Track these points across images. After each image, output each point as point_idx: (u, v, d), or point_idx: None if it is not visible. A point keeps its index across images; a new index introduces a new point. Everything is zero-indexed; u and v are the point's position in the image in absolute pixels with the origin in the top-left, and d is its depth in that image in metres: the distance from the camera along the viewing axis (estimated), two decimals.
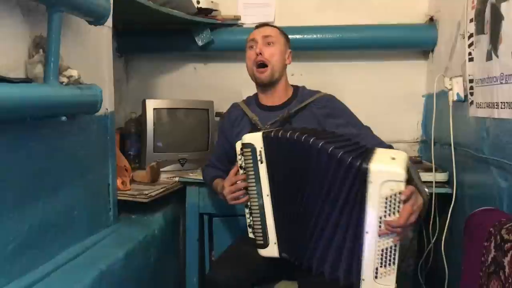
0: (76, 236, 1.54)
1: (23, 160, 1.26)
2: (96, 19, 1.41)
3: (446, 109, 1.95)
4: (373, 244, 1.32)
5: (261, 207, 1.51)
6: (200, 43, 2.57)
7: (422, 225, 2.18)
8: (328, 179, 1.35)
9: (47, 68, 1.24)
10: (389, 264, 1.33)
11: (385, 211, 1.29)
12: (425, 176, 2.01)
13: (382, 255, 1.32)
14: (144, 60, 2.91)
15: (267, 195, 1.50)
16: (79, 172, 1.55)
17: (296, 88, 1.87)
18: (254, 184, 1.51)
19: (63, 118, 1.29)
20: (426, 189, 1.38)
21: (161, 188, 2.04)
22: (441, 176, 2.00)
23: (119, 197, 1.86)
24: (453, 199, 1.87)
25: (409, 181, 1.29)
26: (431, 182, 1.97)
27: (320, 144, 1.36)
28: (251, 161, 1.50)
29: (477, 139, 1.71)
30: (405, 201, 1.27)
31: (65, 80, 1.34)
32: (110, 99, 1.76)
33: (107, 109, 1.71)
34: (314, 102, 1.77)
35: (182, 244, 2.29)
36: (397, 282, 1.35)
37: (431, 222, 2.04)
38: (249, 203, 1.56)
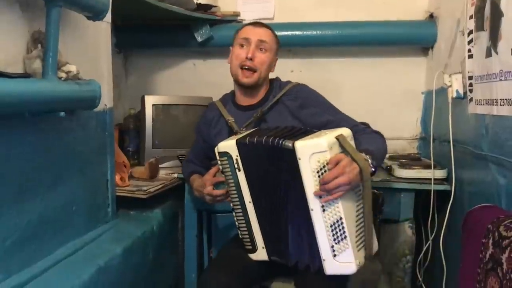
0: (74, 232, 1.54)
1: (22, 156, 1.26)
2: (95, 14, 1.41)
3: (445, 106, 1.95)
4: (320, 220, 1.35)
5: (245, 214, 1.52)
6: (199, 39, 2.57)
7: (421, 221, 2.18)
8: (280, 170, 1.40)
9: (46, 63, 1.24)
10: (342, 240, 1.36)
11: (319, 182, 1.33)
12: (424, 173, 2.01)
13: (332, 231, 1.35)
14: (143, 56, 2.90)
15: (249, 202, 1.50)
16: (77, 168, 1.55)
17: (271, 82, 1.82)
18: (235, 192, 1.52)
19: (62, 113, 1.29)
20: (370, 161, 1.40)
21: (160, 184, 2.04)
22: (440, 173, 2.00)
23: (117, 193, 1.86)
24: (452, 196, 1.87)
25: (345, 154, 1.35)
26: (430, 179, 1.97)
27: (270, 141, 1.39)
28: (229, 169, 1.50)
29: (476, 136, 1.71)
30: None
31: (63, 75, 1.33)
32: (109, 95, 1.75)
33: (106, 105, 1.71)
34: (285, 94, 1.73)
35: (181, 241, 2.29)
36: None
37: (429, 219, 2.04)
38: (233, 208, 1.57)
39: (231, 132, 1.72)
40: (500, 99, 1.48)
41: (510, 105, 1.41)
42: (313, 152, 1.32)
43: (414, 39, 2.54)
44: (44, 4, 1.23)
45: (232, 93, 1.87)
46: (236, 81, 1.77)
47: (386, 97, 2.65)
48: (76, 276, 1.37)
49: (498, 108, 1.49)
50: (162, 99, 2.46)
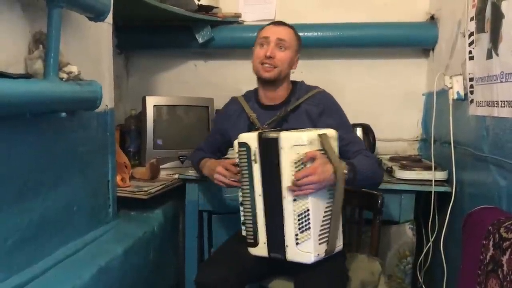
0: (75, 232, 1.55)
1: (23, 156, 1.26)
2: (96, 15, 1.41)
3: (446, 107, 1.95)
4: (290, 208, 1.44)
5: (253, 207, 1.53)
6: (200, 40, 2.57)
7: (421, 223, 2.18)
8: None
9: (47, 64, 1.24)
10: (306, 229, 1.42)
11: (293, 175, 1.40)
12: (425, 175, 2.01)
13: (298, 220, 1.43)
14: (144, 57, 2.91)
15: (259, 195, 1.51)
16: (78, 168, 1.55)
17: (294, 84, 1.82)
18: (247, 183, 1.53)
19: (63, 114, 1.29)
20: (346, 168, 1.46)
21: (161, 185, 2.04)
22: (441, 175, 2.00)
23: (118, 194, 1.86)
24: (453, 198, 1.87)
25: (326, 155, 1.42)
26: (431, 180, 1.97)
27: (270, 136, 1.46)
28: (245, 160, 1.52)
29: (477, 138, 1.71)
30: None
31: (65, 76, 1.34)
32: (110, 96, 1.76)
33: (107, 105, 1.71)
34: (309, 99, 1.74)
35: (182, 241, 2.29)
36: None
37: (430, 220, 2.04)
38: (241, 198, 1.58)
39: (251, 128, 1.73)
40: (501, 101, 1.48)
41: (511, 106, 1.41)
42: (294, 144, 1.41)
43: (415, 41, 2.54)
44: (45, 5, 1.23)
45: (255, 91, 1.87)
46: (258, 77, 1.78)
47: (387, 98, 2.65)
48: (77, 276, 1.37)
49: (498, 110, 1.49)
50: (163, 100, 2.46)
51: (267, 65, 1.70)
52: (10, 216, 1.22)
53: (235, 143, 1.57)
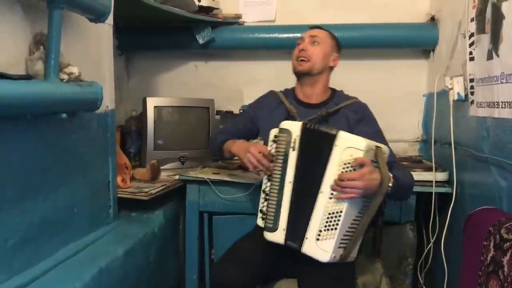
0: (76, 233, 1.55)
1: (23, 157, 1.26)
2: (97, 17, 1.41)
3: (446, 108, 1.95)
4: (323, 204, 1.45)
5: (281, 192, 1.55)
6: (201, 41, 2.57)
7: (422, 224, 2.18)
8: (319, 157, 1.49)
9: (48, 65, 1.24)
10: (331, 229, 1.44)
11: (339, 175, 1.42)
12: (426, 175, 2.01)
13: (328, 218, 1.44)
14: (144, 58, 2.91)
15: (290, 182, 1.54)
16: (79, 169, 1.55)
17: (334, 90, 1.89)
18: (280, 168, 1.56)
19: (64, 115, 1.30)
20: (391, 182, 1.49)
21: (161, 186, 2.04)
22: (441, 176, 2.00)
23: (119, 195, 1.86)
24: (453, 199, 1.87)
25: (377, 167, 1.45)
26: (431, 181, 1.97)
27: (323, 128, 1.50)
28: (284, 146, 1.56)
29: (477, 139, 1.71)
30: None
31: (65, 77, 1.34)
32: (111, 97, 1.76)
33: (107, 106, 1.71)
34: (348, 106, 1.80)
35: (182, 242, 2.29)
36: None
37: (431, 221, 2.03)
38: (267, 189, 1.61)
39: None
40: (501, 102, 1.47)
41: (511, 107, 1.41)
42: (350, 146, 1.43)
43: (416, 42, 2.54)
44: (46, 6, 1.24)
45: (293, 89, 1.92)
46: (295, 73, 1.84)
47: (387, 99, 2.64)
48: (77, 278, 1.37)
49: (499, 111, 1.49)
50: (163, 101, 2.46)
51: (300, 58, 1.78)
52: (10, 217, 1.22)
53: (273, 131, 1.63)
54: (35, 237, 1.32)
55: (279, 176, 1.56)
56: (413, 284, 2.15)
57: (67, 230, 1.49)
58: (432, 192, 1.98)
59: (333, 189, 1.43)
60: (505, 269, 1.17)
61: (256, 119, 1.89)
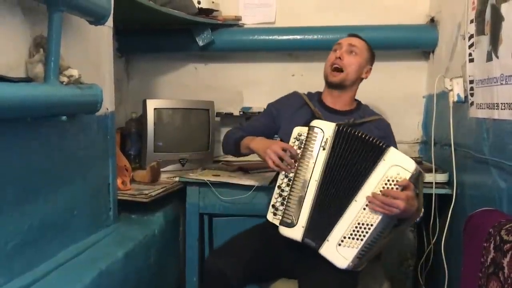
0: (76, 236, 1.55)
1: (23, 159, 1.26)
2: (97, 19, 1.41)
3: (446, 110, 1.95)
4: (354, 213, 1.46)
5: (304, 188, 1.56)
6: (200, 43, 2.57)
7: (422, 225, 2.18)
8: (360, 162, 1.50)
9: (48, 68, 1.24)
10: (357, 239, 1.45)
11: (381, 191, 1.43)
12: (426, 177, 2.00)
13: (356, 227, 1.45)
14: (144, 60, 2.91)
15: (316, 180, 1.55)
16: (79, 172, 1.55)
17: (359, 103, 1.91)
18: (307, 165, 1.56)
19: (63, 117, 1.29)
20: (421, 215, 1.54)
21: (161, 188, 2.04)
22: (441, 177, 2.00)
23: (119, 197, 1.86)
24: (453, 200, 1.87)
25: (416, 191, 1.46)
26: (431, 182, 1.97)
27: (370, 138, 1.51)
28: (313, 144, 1.56)
29: (477, 140, 1.71)
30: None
31: (65, 79, 1.34)
32: (111, 99, 1.76)
33: (107, 109, 1.71)
34: (373, 122, 1.82)
35: (182, 244, 2.29)
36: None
37: (431, 223, 2.03)
38: (283, 185, 1.60)
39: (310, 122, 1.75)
40: (501, 103, 1.47)
41: (511, 109, 1.41)
42: (399, 164, 1.43)
43: (415, 43, 2.54)
44: (46, 9, 1.24)
45: (317, 93, 1.92)
46: (326, 81, 1.84)
47: (387, 101, 2.65)
48: (77, 280, 1.37)
49: (499, 112, 1.49)
50: (163, 103, 2.47)
51: (335, 69, 1.78)
52: (10, 219, 1.22)
53: (297, 128, 1.62)
54: (35, 240, 1.32)
55: (304, 173, 1.56)
56: (414, 285, 2.15)
57: (67, 232, 1.49)
58: (432, 194, 1.98)
59: (370, 201, 1.44)
60: (505, 270, 1.16)
61: (278, 118, 1.87)
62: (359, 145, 1.52)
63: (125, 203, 1.90)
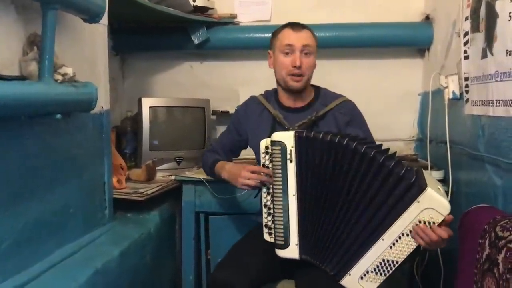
0: (71, 235, 1.54)
1: (18, 158, 1.26)
2: (91, 17, 1.41)
3: (441, 107, 1.95)
4: (381, 251, 1.38)
5: (285, 207, 1.51)
6: (196, 41, 2.57)
7: None
8: (376, 187, 1.37)
9: (42, 66, 1.23)
10: (380, 274, 1.39)
11: (411, 232, 1.33)
12: None
13: (381, 263, 1.38)
14: (140, 59, 2.90)
15: (293, 195, 1.50)
16: (74, 170, 1.55)
17: (317, 88, 1.83)
18: (280, 183, 1.51)
19: (58, 116, 1.29)
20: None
21: (157, 187, 2.04)
22: (437, 174, 2.01)
23: (114, 196, 1.86)
24: (449, 197, 1.87)
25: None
26: None
27: (372, 154, 1.38)
28: (279, 159, 1.50)
29: (472, 137, 1.72)
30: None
31: (60, 78, 1.33)
32: (106, 97, 1.75)
33: (102, 107, 1.71)
34: (337, 107, 1.74)
35: (178, 243, 2.29)
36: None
37: None
38: (268, 203, 1.56)
39: (275, 128, 1.71)
40: (496, 100, 1.48)
41: (506, 105, 1.42)
42: (434, 207, 1.30)
43: (411, 41, 2.55)
44: (40, 7, 1.23)
45: (275, 91, 1.85)
46: (285, 86, 1.75)
47: (383, 98, 2.66)
48: (73, 279, 1.36)
49: (494, 109, 1.50)
50: (159, 101, 2.46)
51: (295, 76, 1.69)
52: (5, 218, 1.21)
53: (263, 142, 1.56)
54: (30, 239, 1.31)
55: (280, 191, 1.51)
56: (410, 282, 2.15)
57: (62, 231, 1.49)
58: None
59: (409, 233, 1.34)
60: (500, 266, 1.17)
61: (243, 131, 1.84)
62: (326, 148, 1.44)
63: (120, 201, 1.89)
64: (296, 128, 1.67)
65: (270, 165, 1.54)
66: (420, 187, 1.31)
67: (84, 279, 1.39)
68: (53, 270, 1.38)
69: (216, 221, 2.19)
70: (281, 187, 1.51)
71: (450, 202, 1.83)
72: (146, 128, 2.36)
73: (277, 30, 1.78)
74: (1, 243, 1.20)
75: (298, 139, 1.48)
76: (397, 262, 1.37)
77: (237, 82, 2.78)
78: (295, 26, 1.73)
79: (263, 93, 1.88)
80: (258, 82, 2.70)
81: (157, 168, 2.25)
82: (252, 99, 1.88)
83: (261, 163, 1.58)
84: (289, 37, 1.70)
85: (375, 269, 1.40)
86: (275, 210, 1.53)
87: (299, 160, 1.48)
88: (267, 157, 1.55)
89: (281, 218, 1.52)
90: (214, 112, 2.66)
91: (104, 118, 1.73)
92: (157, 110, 2.43)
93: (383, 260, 1.38)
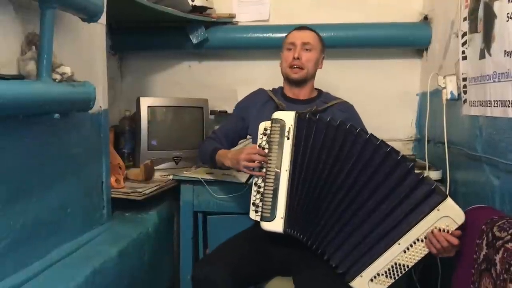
0: (69, 234, 1.54)
1: (16, 157, 1.25)
2: (89, 16, 1.41)
3: (439, 107, 1.95)
4: (395, 255, 1.40)
5: (277, 181, 1.55)
6: (194, 41, 2.57)
7: None
8: (391, 184, 1.41)
9: (40, 65, 1.23)
10: (390, 277, 1.41)
11: (425, 237, 1.37)
12: None
13: (393, 266, 1.41)
14: (138, 58, 2.90)
15: (286, 170, 1.54)
16: (72, 170, 1.55)
17: (320, 91, 1.97)
18: (275, 157, 1.56)
19: (56, 115, 1.29)
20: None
21: (155, 186, 2.04)
22: (435, 174, 2.01)
23: (113, 195, 1.86)
24: None
25: None
26: None
27: (389, 149, 1.44)
28: (277, 135, 1.56)
29: (470, 137, 1.72)
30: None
31: (58, 77, 1.33)
32: (104, 97, 1.75)
33: (100, 106, 1.71)
34: (336, 105, 1.87)
35: (176, 242, 2.29)
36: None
37: None
38: (259, 181, 1.60)
39: None
40: (494, 101, 1.48)
41: (504, 106, 1.42)
42: (451, 216, 1.35)
43: (409, 41, 2.54)
44: (38, 6, 1.23)
45: (280, 88, 1.99)
46: (287, 79, 1.90)
47: (381, 98, 2.66)
48: (71, 278, 1.36)
49: (491, 110, 1.50)
50: (157, 101, 2.46)
51: (295, 67, 1.84)
52: (3, 217, 1.21)
53: (262, 124, 1.62)
54: (28, 238, 1.31)
55: (274, 165, 1.56)
56: (407, 282, 2.15)
57: (61, 230, 1.49)
58: None
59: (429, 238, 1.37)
60: (498, 267, 1.17)
61: (246, 117, 1.92)
62: (327, 130, 1.51)
63: (118, 201, 1.89)
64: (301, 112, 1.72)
65: (266, 146, 1.60)
66: (441, 195, 1.36)
67: (82, 279, 1.39)
68: (51, 269, 1.38)
69: (214, 221, 2.19)
70: (275, 162, 1.56)
71: None
72: (144, 128, 2.36)
73: (287, 34, 1.94)
74: (0, 242, 1.20)
75: (298, 119, 1.55)
76: (407, 266, 1.39)
77: (235, 82, 2.78)
78: (300, 27, 1.93)
79: (271, 89, 1.99)
80: (257, 81, 2.70)
81: (155, 167, 2.25)
82: (260, 90, 2.00)
83: (258, 144, 1.63)
84: (293, 36, 1.89)
85: (386, 272, 1.41)
86: (266, 183, 1.57)
87: (297, 139, 1.54)
88: (264, 138, 1.61)
89: (270, 191, 1.56)
90: (212, 112, 2.67)
91: (102, 118, 1.73)
92: (156, 109, 2.43)
93: (395, 264, 1.40)
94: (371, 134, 1.50)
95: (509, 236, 1.17)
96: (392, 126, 2.64)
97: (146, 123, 2.37)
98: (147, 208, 2.05)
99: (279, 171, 1.55)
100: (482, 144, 1.62)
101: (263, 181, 1.59)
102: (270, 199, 1.56)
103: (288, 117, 1.57)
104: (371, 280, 1.42)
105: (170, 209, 2.25)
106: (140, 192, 1.92)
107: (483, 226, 1.30)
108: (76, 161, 1.56)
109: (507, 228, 1.20)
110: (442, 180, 1.99)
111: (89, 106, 1.46)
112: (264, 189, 1.58)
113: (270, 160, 1.57)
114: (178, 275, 2.25)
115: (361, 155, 1.45)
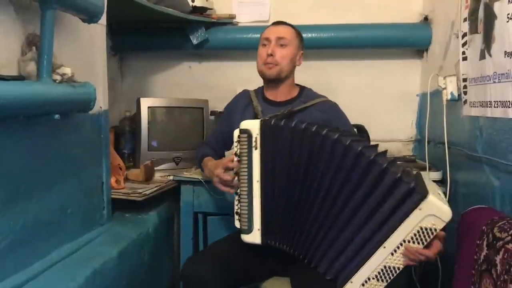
0: (69, 235, 1.54)
1: (16, 158, 1.25)
2: (90, 17, 1.41)
3: (440, 108, 1.96)
4: (382, 258, 1.35)
5: (250, 193, 1.54)
6: (195, 41, 2.57)
7: None
8: (367, 186, 1.34)
9: (40, 66, 1.23)
10: (382, 280, 1.37)
11: (412, 238, 1.31)
12: None
13: (382, 270, 1.36)
14: (138, 59, 2.90)
15: (257, 181, 1.52)
16: (72, 170, 1.55)
17: (302, 88, 1.89)
18: (246, 169, 1.54)
19: (56, 116, 1.29)
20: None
21: (155, 187, 2.04)
22: (435, 175, 2.01)
23: (113, 196, 1.85)
24: (447, 198, 1.87)
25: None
26: None
27: (355, 147, 1.35)
28: (246, 147, 1.53)
29: (470, 138, 1.72)
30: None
31: (58, 78, 1.33)
32: (104, 97, 1.75)
33: (101, 107, 1.71)
34: (316, 105, 1.79)
35: (176, 243, 2.29)
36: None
37: None
38: (239, 190, 1.58)
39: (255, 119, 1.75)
40: (494, 101, 1.48)
41: (504, 107, 1.42)
42: (435, 214, 1.28)
43: (409, 42, 2.55)
44: (38, 7, 1.23)
45: (262, 88, 1.94)
46: (262, 77, 1.84)
47: (381, 99, 2.66)
48: (71, 279, 1.36)
49: (492, 110, 1.50)
50: (157, 102, 2.46)
51: (269, 64, 1.76)
52: (3, 218, 1.21)
53: (236, 131, 1.59)
54: (28, 239, 1.31)
55: (246, 177, 1.54)
56: (408, 283, 2.15)
57: (61, 231, 1.49)
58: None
59: (404, 254, 1.32)
60: (498, 267, 1.17)
61: (232, 122, 1.86)
62: (293, 134, 1.46)
63: (119, 201, 1.89)
64: (267, 118, 1.67)
65: (239, 152, 1.58)
66: (421, 193, 1.28)
67: (82, 279, 1.39)
68: (51, 270, 1.38)
69: (214, 222, 2.19)
70: (246, 173, 1.54)
71: (448, 203, 1.85)
72: (145, 128, 2.36)
73: (263, 30, 1.86)
74: (0, 243, 1.20)
75: (263, 127, 1.51)
76: (398, 268, 1.35)
77: (235, 83, 2.77)
78: (275, 22, 1.86)
79: (256, 88, 1.95)
80: (257, 82, 2.70)
81: (155, 168, 2.25)
82: (244, 92, 1.97)
83: (234, 152, 1.61)
84: (268, 31, 1.82)
85: (376, 276, 1.37)
86: (241, 196, 1.56)
87: (264, 148, 1.51)
88: (239, 146, 1.58)
89: (246, 204, 1.55)
90: (212, 113, 2.66)
91: (103, 118, 1.73)
92: (156, 110, 2.43)
93: (385, 267, 1.36)
94: (344, 133, 1.42)
95: (509, 237, 1.17)
96: (392, 127, 2.64)
97: (146, 123, 2.37)
98: (147, 209, 2.05)
99: (251, 182, 1.53)
100: (482, 144, 1.62)
101: (238, 193, 1.58)
102: (246, 211, 1.55)
103: (254, 126, 1.53)
104: (362, 285, 1.38)
105: (170, 210, 2.25)
106: (140, 192, 1.92)
107: (484, 227, 1.30)
108: (76, 161, 1.56)
109: (508, 229, 1.20)
110: (443, 181, 1.99)
111: (89, 106, 1.45)
112: (240, 201, 1.57)
113: (242, 172, 1.55)
114: (177, 276, 2.25)
115: (332, 157, 1.39)
